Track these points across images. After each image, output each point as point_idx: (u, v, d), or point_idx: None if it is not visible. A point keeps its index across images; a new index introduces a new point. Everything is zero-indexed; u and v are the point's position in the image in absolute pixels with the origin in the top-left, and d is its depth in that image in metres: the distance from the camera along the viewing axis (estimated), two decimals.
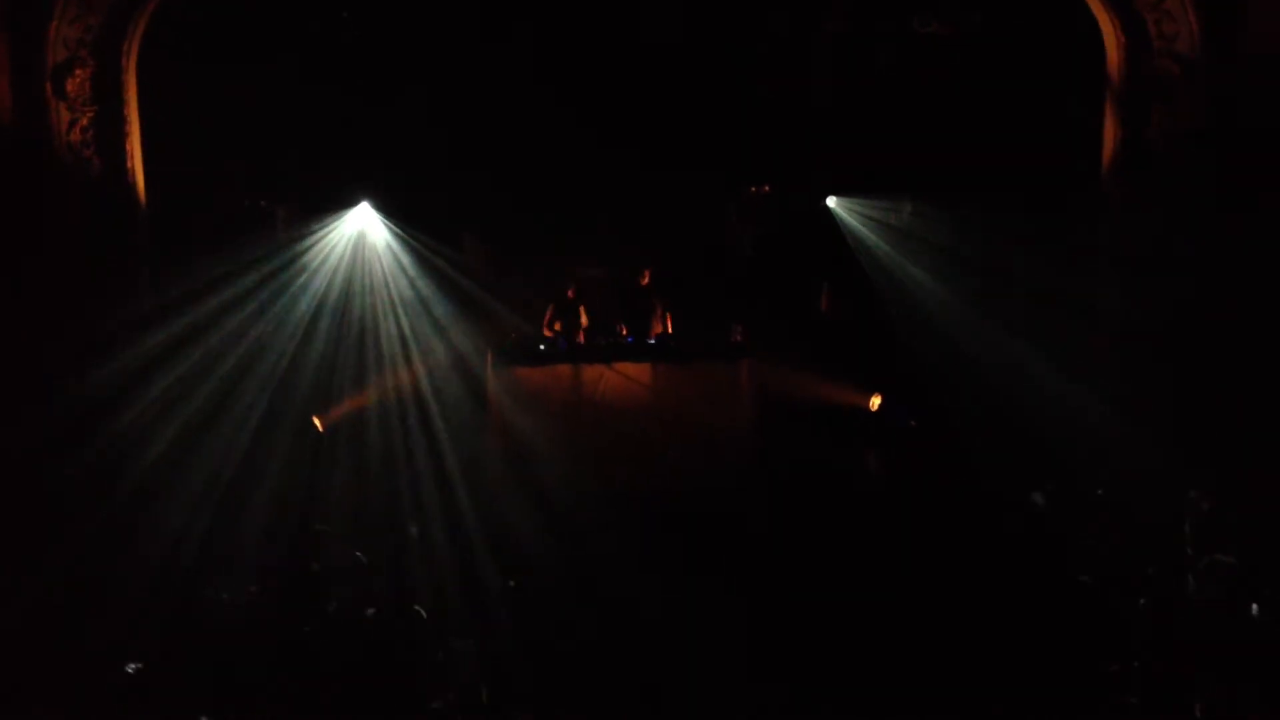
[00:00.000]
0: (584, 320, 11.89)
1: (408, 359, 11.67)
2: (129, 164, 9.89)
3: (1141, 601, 7.21)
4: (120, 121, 9.81)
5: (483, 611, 7.73)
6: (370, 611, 7.31)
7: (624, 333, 11.78)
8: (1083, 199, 10.56)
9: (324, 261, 11.70)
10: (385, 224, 11.99)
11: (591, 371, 11.44)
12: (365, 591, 7.76)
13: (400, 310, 11.83)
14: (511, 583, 7.89)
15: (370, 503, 9.95)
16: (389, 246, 12.00)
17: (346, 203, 11.80)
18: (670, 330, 11.89)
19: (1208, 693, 6.37)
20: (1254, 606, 6.94)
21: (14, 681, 6.39)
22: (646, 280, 11.98)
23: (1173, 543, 8.15)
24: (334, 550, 8.28)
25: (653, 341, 11.73)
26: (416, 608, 7.45)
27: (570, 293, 11.92)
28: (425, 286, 11.90)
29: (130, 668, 6.25)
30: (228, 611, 7.30)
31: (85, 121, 9.67)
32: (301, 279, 11.47)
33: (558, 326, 11.83)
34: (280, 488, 9.83)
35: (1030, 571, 8.45)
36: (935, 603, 8.25)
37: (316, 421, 11.15)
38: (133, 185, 9.96)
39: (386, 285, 11.93)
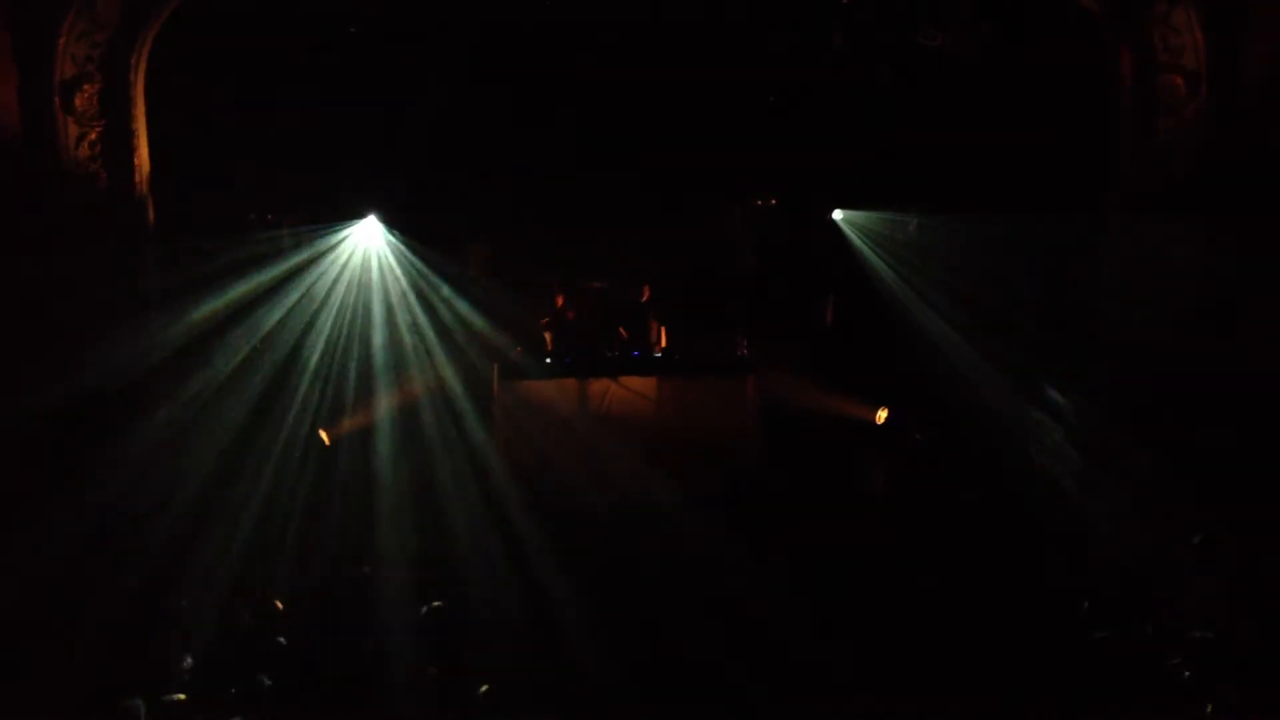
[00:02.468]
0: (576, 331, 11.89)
1: (414, 373, 11.68)
2: (136, 178, 9.88)
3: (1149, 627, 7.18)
4: (128, 136, 9.80)
5: (490, 622, 7.72)
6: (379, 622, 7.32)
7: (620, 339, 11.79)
8: (1088, 212, 10.54)
9: (331, 275, 11.72)
10: (391, 237, 12.00)
11: (597, 385, 11.44)
12: (373, 602, 7.79)
13: (407, 324, 11.84)
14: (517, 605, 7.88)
15: (377, 515, 9.96)
16: (395, 260, 12.01)
17: (353, 215, 11.82)
18: (665, 345, 11.86)
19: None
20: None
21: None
22: (646, 296, 11.96)
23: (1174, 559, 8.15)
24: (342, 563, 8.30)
25: (659, 355, 11.73)
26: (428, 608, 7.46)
27: (559, 301, 11.91)
28: (431, 300, 11.91)
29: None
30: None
31: (93, 136, 9.68)
32: (309, 292, 11.49)
33: (548, 336, 11.84)
34: (288, 502, 9.84)
35: (1036, 586, 8.43)
36: (940, 617, 8.22)
37: (323, 435, 11.17)
38: (140, 199, 9.95)
39: (393, 299, 11.94)
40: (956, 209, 11.57)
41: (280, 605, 7.51)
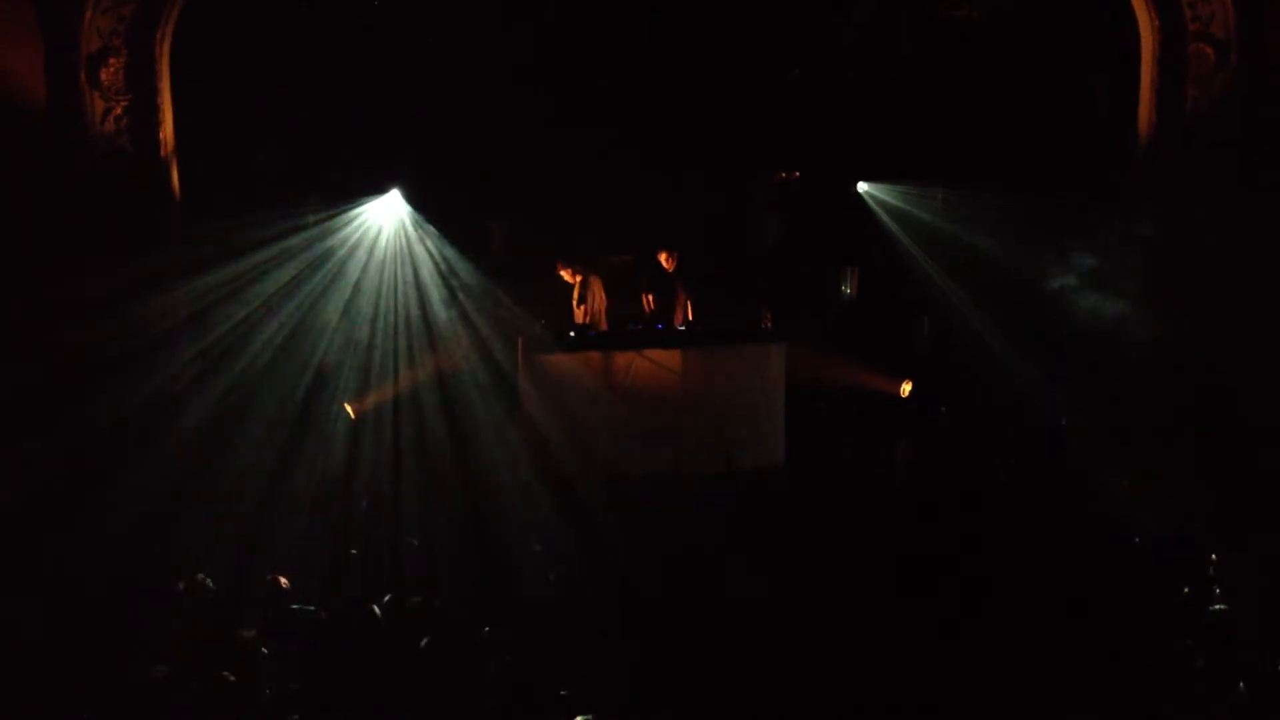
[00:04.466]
0: (600, 302, 11.86)
1: (439, 347, 11.70)
2: (162, 152, 9.91)
3: (1186, 590, 7.17)
4: (153, 110, 9.82)
5: (511, 599, 7.73)
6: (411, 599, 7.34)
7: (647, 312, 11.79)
8: (1115, 184, 10.47)
9: (355, 250, 11.72)
10: (414, 212, 12.00)
11: (621, 358, 11.44)
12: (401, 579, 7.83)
13: (431, 298, 11.85)
14: (551, 576, 7.88)
15: (404, 488, 10.01)
16: (418, 234, 12.01)
17: (376, 191, 11.82)
18: (691, 316, 11.86)
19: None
20: None
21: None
22: (671, 265, 11.93)
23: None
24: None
25: (682, 328, 11.73)
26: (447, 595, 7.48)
27: (577, 275, 11.90)
28: (455, 274, 11.92)
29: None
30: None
31: (119, 110, 9.70)
32: (332, 267, 11.50)
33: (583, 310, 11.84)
34: (316, 475, 9.89)
35: (1061, 558, 8.43)
36: (964, 591, 8.21)
37: (349, 409, 11.21)
38: (166, 173, 9.99)
39: (416, 273, 11.95)
40: (981, 183, 11.50)
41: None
